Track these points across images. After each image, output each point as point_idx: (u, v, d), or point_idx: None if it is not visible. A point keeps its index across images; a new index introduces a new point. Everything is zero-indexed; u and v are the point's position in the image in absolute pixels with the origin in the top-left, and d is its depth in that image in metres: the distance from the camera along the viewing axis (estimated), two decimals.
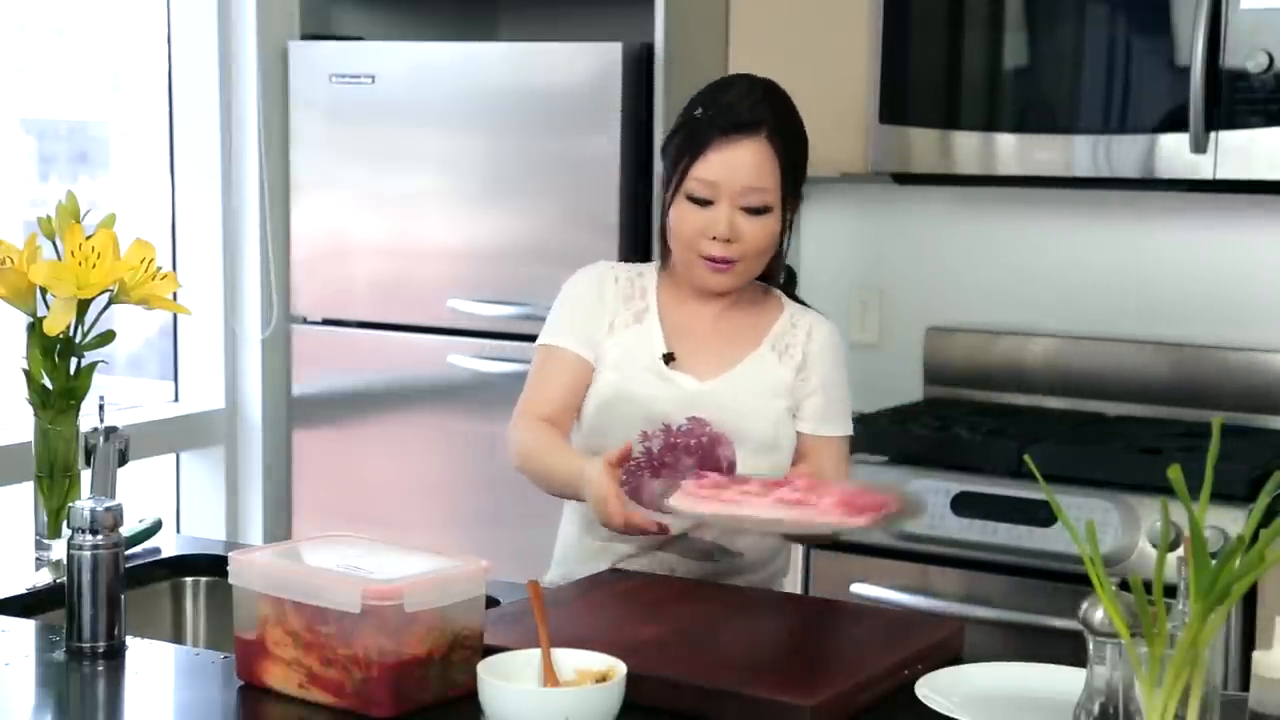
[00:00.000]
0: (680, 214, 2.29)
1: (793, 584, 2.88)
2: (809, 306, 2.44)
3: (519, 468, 2.35)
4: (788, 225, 2.33)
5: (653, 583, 2.23)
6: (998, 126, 3.33)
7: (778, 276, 2.42)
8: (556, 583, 2.35)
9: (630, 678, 1.74)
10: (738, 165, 2.24)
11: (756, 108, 2.26)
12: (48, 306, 2.28)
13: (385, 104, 3.74)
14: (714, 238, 2.26)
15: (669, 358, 2.33)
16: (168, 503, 3.95)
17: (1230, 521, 2.78)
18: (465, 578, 1.86)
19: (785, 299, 2.42)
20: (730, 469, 2.26)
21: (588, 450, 2.32)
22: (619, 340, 2.35)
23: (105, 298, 2.31)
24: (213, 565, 2.43)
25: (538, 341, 2.41)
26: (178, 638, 2.45)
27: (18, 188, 4.04)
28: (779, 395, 2.33)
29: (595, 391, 2.34)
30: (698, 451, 2.27)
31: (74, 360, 2.31)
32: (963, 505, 3.10)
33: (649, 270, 2.42)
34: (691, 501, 2.05)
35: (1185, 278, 3.56)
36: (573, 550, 2.42)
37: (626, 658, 1.78)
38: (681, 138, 2.30)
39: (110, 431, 2.37)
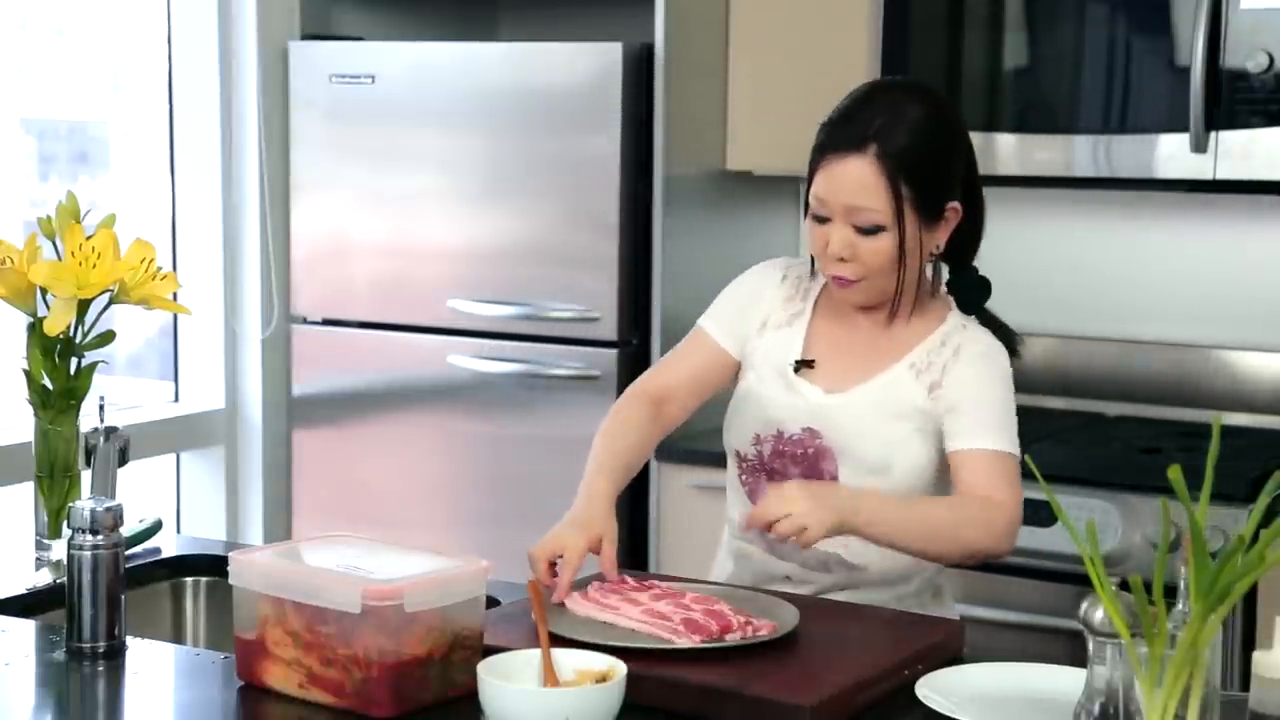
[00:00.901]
0: (808, 228, 2.25)
1: None
2: (988, 321, 2.33)
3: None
4: (917, 242, 2.19)
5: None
6: (998, 126, 3.33)
7: (932, 289, 2.32)
8: (720, 579, 2.35)
9: (630, 678, 1.74)
10: (842, 183, 2.17)
11: (869, 124, 2.17)
12: (48, 306, 2.28)
13: (385, 104, 3.74)
14: (830, 256, 2.21)
15: (801, 365, 2.28)
16: (168, 503, 3.95)
17: (1230, 521, 2.78)
18: (465, 578, 1.86)
19: (953, 312, 2.32)
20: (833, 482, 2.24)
21: (726, 445, 2.33)
22: (767, 340, 2.33)
23: (105, 298, 2.31)
24: (213, 565, 2.43)
25: (700, 319, 2.40)
26: (178, 638, 2.45)
27: (18, 188, 4.04)
28: (904, 417, 2.23)
29: (736, 390, 2.34)
30: (803, 462, 2.25)
31: (74, 360, 2.31)
32: None
33: (815, 276, 2.35)
34: (577, 604, 2.05)
35: (1185, 278, 3.56)
36: (724, 546, 2.42)
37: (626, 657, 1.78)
38: (812, 147, 2.24)
39: (110, 431, 2.36)
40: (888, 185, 2.16)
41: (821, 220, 2.21)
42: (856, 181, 2.16)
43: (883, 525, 2.13)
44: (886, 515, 2.13)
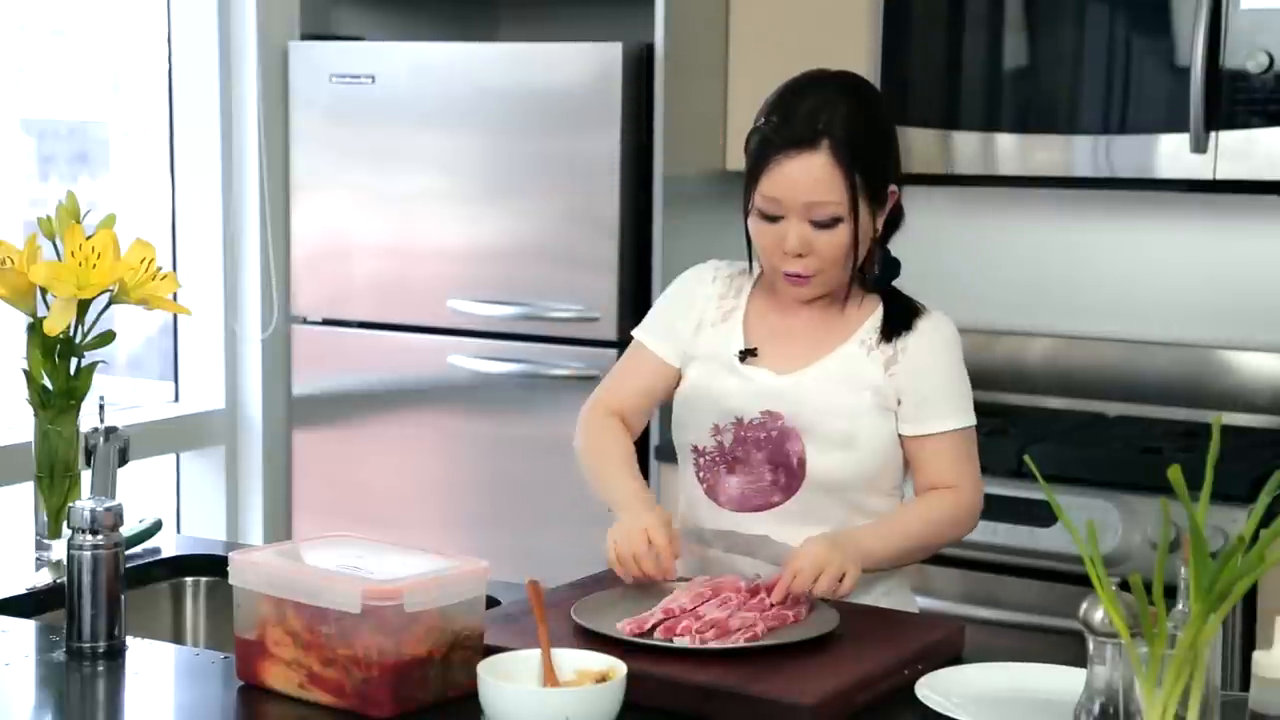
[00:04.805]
0: (754, 228, 2.26)
1: None
2: (917, 304, 2.36)
3: (579, 455, 2.35)
4: (870, 228, 2.23)
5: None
6: (998, 126, 3.33)
7: (871, 275, 2.32)
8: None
9: (630, 678, 1.74)
10: (798, 181, 2.18)
11: (817, 119, 2.18)
12: (48, 307, 2.28)
13: (385, 104, 3.74)
14: (786, 253, 2.22)
15: (745, 354, 2.30)
16: (168, 503, 3.95)
17: (1230, 521, 2.78)
18: (465, 578, 1.86)
19: (886, 298, 2.34)
20: (800, 465, 2.24)
21: (679, 443, 2.36)
22: (706, 338, 2.34)
23: (105, 298, 2.31)
24: (213, 565, 2.43)
25: (634, 330, 2.42)
26: (178, 638, 2.45)
27: (18, 188, 4.04)
28: (863, 389, 2.24)
29: (679, 388, 2.35)
30: (767, 445, 2.25)
31: (74, 360, 2.31)
32: None
33: (751, 272, 2.37)
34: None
35: (1185, 278, 3.55)
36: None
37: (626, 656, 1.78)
38: (751, 148, 2.25)
39: (110, 432, 2.37)
40: (844, 177, 2.18)
41: (773, 219, 2.22)
42: (814, 177, 2.18)
43: (884, 557, 2.21)
44: (888, 546, 2.21)
